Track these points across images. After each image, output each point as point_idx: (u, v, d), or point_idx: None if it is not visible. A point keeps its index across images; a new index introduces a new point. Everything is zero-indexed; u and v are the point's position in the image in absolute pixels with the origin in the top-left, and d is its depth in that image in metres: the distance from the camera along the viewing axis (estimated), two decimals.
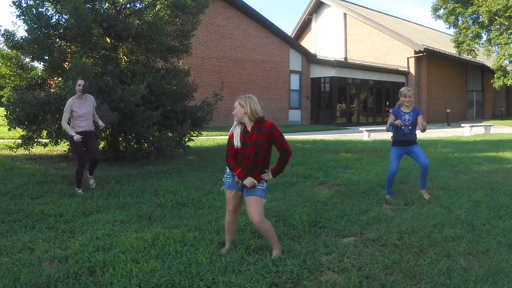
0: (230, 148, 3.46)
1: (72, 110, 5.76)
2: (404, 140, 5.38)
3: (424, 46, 24.34)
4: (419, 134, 5.66)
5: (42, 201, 5.05)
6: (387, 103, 24.96)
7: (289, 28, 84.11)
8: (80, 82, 5.86)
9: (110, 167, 7.73)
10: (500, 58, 24.17)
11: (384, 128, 5.78)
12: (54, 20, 8.16)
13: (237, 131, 3.43)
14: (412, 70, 25.13)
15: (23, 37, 7.79)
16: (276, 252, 3.48)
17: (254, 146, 3.35)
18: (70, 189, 5.72)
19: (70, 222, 4.31)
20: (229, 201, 3.55)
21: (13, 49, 8.05)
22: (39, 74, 8.49)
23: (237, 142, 3.40)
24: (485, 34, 26.30)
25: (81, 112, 5.81)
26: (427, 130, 5.71)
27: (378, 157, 9.26)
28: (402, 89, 5.45)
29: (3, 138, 11.18)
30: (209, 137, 12.96)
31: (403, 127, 5.32)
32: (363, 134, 14.99)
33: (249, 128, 3.40)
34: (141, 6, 8.90)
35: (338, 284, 3.01)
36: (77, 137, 5.61)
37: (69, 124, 5.80)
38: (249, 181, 3.35)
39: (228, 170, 3.52)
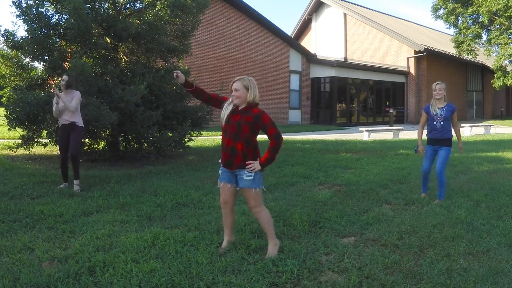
0: (217, 97, 3.64)
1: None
2: (435, 138, 5.29)
3: (424, 46, 24.34)
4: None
5: (42, 201, 5.04)
6: (387, 103, 24.97)
7: (289, 28, 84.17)
8: (64, 77, 5.93)
9: (110, 167, 7.73)
10: (500, 58, 24.17)
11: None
12: (54, 20, 8.16)
13: (227, 108, 3.43)
14: (412, 70, 25.14)
15: (23, 37, 7.79)
16: (271, 246, 3.44)
17: (234, 126, 3.33)
18: (70, 189, 5.73)
19: (70, 222, 4.31)
20: (220, 192, 3.58)
21: (13, 49, 8.05)
22: (39, 74, 8.48)
23: (224, 115, 3.42)
24: (485, 34, 26.32)
25: (60, 105, 5.86)
26: (460, 133, 5.64)
27: (378, 157, 9.26)
28: (433, 84, 5.41)
29: (3, 138, 11.18)
30: (209, 137, 12.97)
31: (434, 123, 5.24)
32: (363, 134, 14.99)
33: (238, 108, 3.39)
34: (141, 6, 8.90)
35: (338, 284, 3.01)
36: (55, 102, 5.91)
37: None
38: (181, 75, 3.45)
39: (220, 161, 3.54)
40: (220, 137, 3.61)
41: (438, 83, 5.34)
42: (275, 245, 3.49)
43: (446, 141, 5.27)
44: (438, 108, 5.29)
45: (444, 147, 5.27)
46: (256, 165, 3.33)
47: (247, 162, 3.34)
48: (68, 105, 5.77)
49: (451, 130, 5.32)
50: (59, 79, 8.16)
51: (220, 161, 3.54)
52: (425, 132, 5.54)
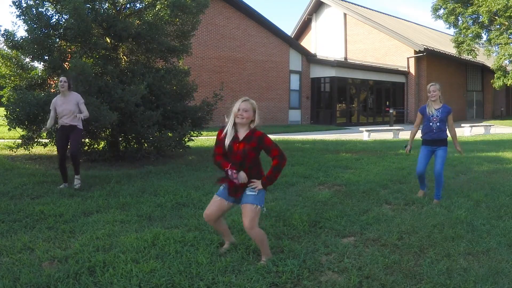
0: (218, 147, 3.32)
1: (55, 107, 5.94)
2: (431, 139, 5.27)
3: (424, 46, 24.34)
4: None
5: (42, 201, 5.04)
6: (387, 103, 24.97)
7: (289, 28, 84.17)
8: (61, 79, 5.93)
9: (110, 167, 7.73)
10: (500, 58, 24.17)
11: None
12: (54, 20, 8.16)
13: (230, 133, 3.26)
14: (412, 70, 25.14)
15: (23, 37, 7.79)
16: (264, 258, 3.35)
17: (240, 155, 3.23)
18: (70, 189, 5.73)
19: (70, 222, 4.31)
20: (211, 204, 3.41)
21: (13, 49, 8.05)
22: (39, 74, 8.49)
23: (228, 142, 3.25)
24: (485, 34, 26.32)
25: (59, 109, 5.87)
26: (456, 134, 5.62)
27: (378, 157, 9.26)
28: (428, 85, 5.39)
29: (3, 138, 11.18)
30: (209, 137, 12.96)
31: (431, 124, 5.23)
32: (363, 134, 14.99)
33: (240, 136, 3.26)
34: (141, 6, 8.91)
35: (338, 284, 3.01)
36: (43, 129, 6.23)
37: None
38: (242, 176, 3.22)
39: (223, 187, 3.41)
40: None
41: (432, 84, 5.30)
42: (268, 257, 3.37)
43: (442, 141, 5.27)
44: (434, 109, 5.27)
45: (441, 147, 5.27)
46: (258, 184, 3.27)
47: (250, 180, 3.27)
48: (86, 114, 5.95)
49: (446, 130, 5.32)
50: (59, 79, 8.17)
51: (224, 168, 3.30)
52: (419, 133, 5.54)
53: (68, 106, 5.84)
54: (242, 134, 3.27)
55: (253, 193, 3.27)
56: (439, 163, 5.23)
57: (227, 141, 3.27)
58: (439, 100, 5.29)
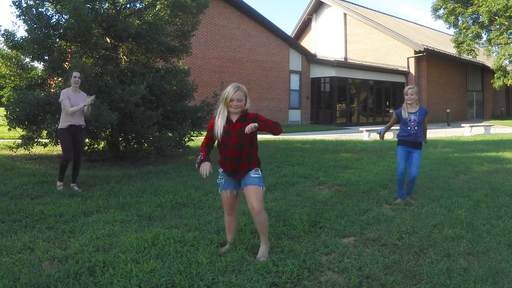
0: (207, 135, 3.48)
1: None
2: (408, 140, 5.26)
3: (424, 46, 24.35)
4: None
5: (42, 201, 5.04)
6: (387, 103, 24.97)
7: (289, 28, 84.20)
8: (76, 74, 5.88)
9: (110, 167, 7.73)
10: (500, 58, 24.16)
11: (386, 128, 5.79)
12: (54, 20, 8.17)
13: (220, 121, 3.33)
14: (412, 70, 25.14)
15: (23, 37, 7.79)
16: (265, 248, 3.44)
17: (237, 136, 3.29)
18: (70, 189, 5.73)
19: (70, 222, 4.31)
20: (225, 201, 3.54)
21: (13, 49, 8.05)
22: (39, 74, 8.49)
23: (219, 131, 3.32)
24: (485, 34, 26.31)
25: (72, 103, 5.76)
26: (426, 130, 5.62)
27: (378, 157, 9.26)
28: (405, 87, 5.38)
29: (3, 138, 11.18)
30: None
31: (409, 128, 5.22)
32: (363, 134, 14.99)
33: (233, 119, 3.34)
34: (141, 6, 8.91)
35: (338, 284, 3.01)
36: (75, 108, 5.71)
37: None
38: (205, 167, 3.29)
39: (221, 171, 3.49)
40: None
41: (410, 87, 5.28)
42: (268, 247, 3.49)
43: (418, 145, 5.28)
44: (411, 112, 5.24)
45: (417, 150, 5.27)
46: (252, 126, 3.18)
47: (248, 123, 3.24)
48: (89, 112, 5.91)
49: (422, 135, 5.33)
50: (59, 79, 8.16)
51: (221, 170, 3.48)
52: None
53: (80, 102, 5.83)
54: (234, 117, 3.36)
55: (257, 175, 3.37)
56: (415, 167, 5.24)
57: (220, 126, 3.32)
58: (415, 103, 5.28)
